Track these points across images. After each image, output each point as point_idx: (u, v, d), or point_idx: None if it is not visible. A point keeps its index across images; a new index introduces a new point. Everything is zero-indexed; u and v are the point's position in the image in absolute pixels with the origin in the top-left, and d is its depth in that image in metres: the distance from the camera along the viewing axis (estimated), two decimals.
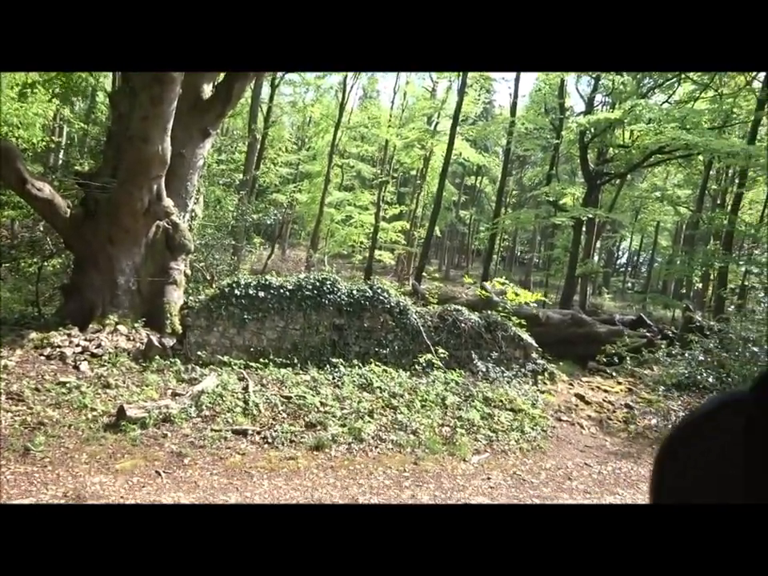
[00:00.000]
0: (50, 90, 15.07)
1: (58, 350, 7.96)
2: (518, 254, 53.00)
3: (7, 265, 12.41)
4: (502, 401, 8.66)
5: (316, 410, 7.47)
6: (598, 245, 31.90)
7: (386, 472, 6.38)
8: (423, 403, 8.17)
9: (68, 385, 7.07)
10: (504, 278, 12.67)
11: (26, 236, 12.41)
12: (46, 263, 11.33)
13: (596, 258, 33.79)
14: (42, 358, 7.79)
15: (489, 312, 10.64)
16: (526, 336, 10.53)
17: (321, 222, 28.13)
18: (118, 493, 5.11)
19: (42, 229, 11.59)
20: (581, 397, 10.09)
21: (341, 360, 8.97)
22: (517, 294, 12.23)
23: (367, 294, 9.59)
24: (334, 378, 8.57)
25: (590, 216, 21.59)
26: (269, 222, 17.60)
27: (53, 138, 21.70)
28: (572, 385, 10.90)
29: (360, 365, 8.98)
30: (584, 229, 24.36)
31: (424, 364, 9.28)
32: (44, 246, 11.44)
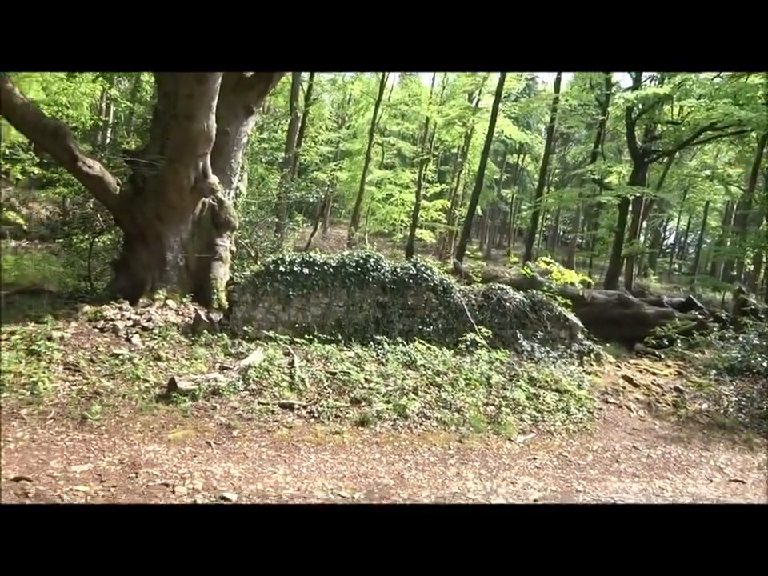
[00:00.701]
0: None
1: (110, 323, 8.16)
2: (561, 233, 52.08)
3: (60, 240, 12.76)
4: (547, 381, 8.54)
5: (360, 386, 7.49)
6: (645, 224, 31.05)
7: (431, 449, 6.38)
8: (467, 382, 8.11)
9: (121, 357, 7.26)
10: (548, 257, 12.42)
11: (78, 212, 12.68)
12: (96, 239, 11.59)
13: (642, 238, 32.93)
14: (96, 330, 8.00)
15: (533, 291, 10.46)
16: (571, 316, 10.33)
17: (361, 201, 28.13)
18: (171, 461, 5.23)
19: (92, 206, 11.82)
20: (628, 379, 9.87)
21: (384, 337, 8.97)
22: (562, 274, 12.00)
23: (411, 272, 9.53)
24: (377, 355, 8.58)
25: (637, 195, 21.00)
26: (311, 200, 17.62)
27: (100, 117, 22.12)
28: (619, 367, 10.67)
29: (404, 342, 8.95)
30: (630, 208, 23.74)
31: (468, 342, 9.19)
32: (95, 223, 11.70)
